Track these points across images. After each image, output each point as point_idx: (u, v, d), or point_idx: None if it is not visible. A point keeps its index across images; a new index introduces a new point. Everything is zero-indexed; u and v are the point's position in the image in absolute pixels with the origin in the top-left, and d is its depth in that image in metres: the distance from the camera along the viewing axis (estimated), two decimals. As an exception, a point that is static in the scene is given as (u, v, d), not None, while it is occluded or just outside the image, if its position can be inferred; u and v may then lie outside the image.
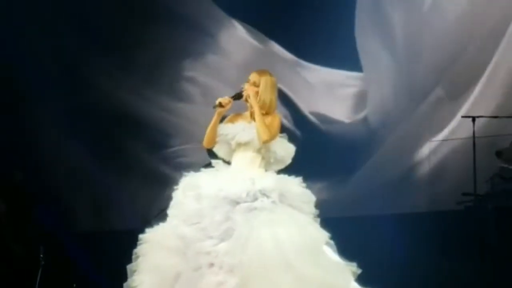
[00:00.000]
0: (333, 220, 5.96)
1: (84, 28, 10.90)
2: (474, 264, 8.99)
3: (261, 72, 6.10)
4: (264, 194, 5.73)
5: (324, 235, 5.71)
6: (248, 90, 5.98)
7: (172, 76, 11.23)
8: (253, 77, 6.04)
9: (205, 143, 6.05)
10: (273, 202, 5.72)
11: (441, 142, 10.53)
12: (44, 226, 9.83)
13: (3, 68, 10.29)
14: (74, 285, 9.49)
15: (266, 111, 6.01)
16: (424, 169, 10.56)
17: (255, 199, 5.72)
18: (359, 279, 5.72)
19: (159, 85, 11.20)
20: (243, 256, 5.51)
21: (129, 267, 5.77)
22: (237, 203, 5.71)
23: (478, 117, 9.82)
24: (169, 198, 5.94)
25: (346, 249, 5.78)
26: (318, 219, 5.84)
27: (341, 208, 10.16)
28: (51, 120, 10.64)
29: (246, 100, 6.04)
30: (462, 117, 9.94)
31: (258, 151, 5.95)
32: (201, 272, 5.59)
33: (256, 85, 6.01)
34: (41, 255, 9.08)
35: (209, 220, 5.67)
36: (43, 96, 10.65)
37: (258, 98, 5.97)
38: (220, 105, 5.94)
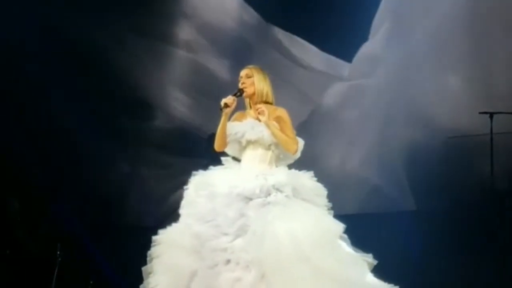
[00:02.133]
0: (349, 217, 5.94)
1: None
2: (491, 262, 8.94)
3: (252, 66, 6.20)
4: (277, 189, 5.76)
5: (339, 226, 5.71)
6: (259, 112, 5.98)
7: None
8: (244, 71, 6.15)
9: (217, 147, 6.08)
10: (287, 196, 5.74)
11: (458, 138, 10.46)
12: (61, 224, 9.83)
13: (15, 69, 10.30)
14: (91, 282, 9.50)
15: (265, 100, 6.07)
16: (442, 165, 10.49)
17: (268, 194, 5.74)
18: (376, 274, 5.70)
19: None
20: (260, 251, 5.50)
21: (144, 269, 5.77)
22: (250, 199, 5.72)
23: (496, 113, 9.72)
24: (181, 197, 5.93)
25: (362, 246, 5.76)
26: (332, 212, 5.85)
27: (357, 205, 10.13)
28: (65, 115, 10.59)
29: (247, 97, 6.10)
30: (480, 113, 9.80)
31: (268, 147, 5.99)
32: (218, 269, 5.58)
33: (248, 76, 6.10)
34: (58, 252, 9.11)
35: (223, 218, 5.67)
36: (49, 89, 10.61)
37: (254, 87, 6.04)
38: (226, 105, 5.97)
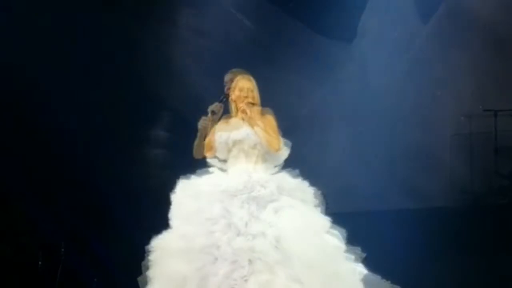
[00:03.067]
0: (345, 215, 5.96)
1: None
2: (486, 261, 8.91)
3: (247, 76, 6.23)
4: (261, 185, 5.81)
5: (326, 220, 5.75)
6: (245, 107, 6.04)
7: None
8: (247, 84, 6.14)
9: (196, 154, 6.19)
10: (271, 192, 5.79)
11: (461, 135, 10.44)
12: (64, 222, 9.85)
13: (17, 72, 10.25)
14: (95, 279, 9.53)
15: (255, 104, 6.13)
16: (443, 164, 10.48)
17: (252, 190, 5.78)
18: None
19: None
20: (248, 244, 5.56)
21: (139, 279, 5.81)
22: (235, 196, 5.77)
23: (500, 110, 9.71)
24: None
25: (357, 244, 5.79)
26: (319, 208, 5.87)
27: (353, 203, 10.10)
28: (50, 115, 10.54)
29: (232, 100, 6.14)
30: (484, 110, 9.79)
31: (254, 147, 6.02)
32: (205, 270, 5.60)
33: (251, 90, 6.14)
34: (62, 249, 9.15)
35: (208, 215, 5.72)
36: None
37: (253, 96, 6.10)
38: (213, 113, 6.10)
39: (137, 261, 6.09)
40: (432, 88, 10.61)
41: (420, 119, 10.60)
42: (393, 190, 10.35)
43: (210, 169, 6.09)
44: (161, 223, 6.01)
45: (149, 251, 5.80)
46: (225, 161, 6.10)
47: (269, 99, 6.33)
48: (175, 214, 5.89)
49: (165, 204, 9.87)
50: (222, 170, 6.07)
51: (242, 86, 6.14)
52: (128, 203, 10.49)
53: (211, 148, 6.13)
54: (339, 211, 6.06)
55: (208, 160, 6.12)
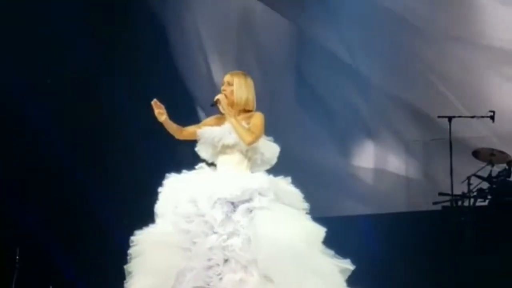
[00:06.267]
0: (328, 219, 6.03)
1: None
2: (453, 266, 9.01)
3: (234, 72, 6.22)
4: (260, 193, 5.79)
5: (322, 230, 5.81)
6: (218, 96, 6.06)
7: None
8: (227, 78, 6.15)
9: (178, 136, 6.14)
10: (270, 200, 5.78)
11: (419, 142, 10.56)
12: (21, 227, 9.72)
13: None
14: (50, 286, 9.44)
15: (244, 108, 6.09)
16: (401, 169, 10.58)
17: (252, 198, 5.77)
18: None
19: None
20: (257, 254, 5.59)
21: (126, 267, 5.78)
22: (234, 203, 5.77)
23: (454, 117, 9.86)
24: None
25: (338, 249, 5.85)
26: (309, 215, 5.91)
27: (318, 208, 10.12)
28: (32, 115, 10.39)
29: (217, 104, 6.09)
30: (439, 117, 9.96)
31: (245, 153, 6.01)
32: (182, 265, 5.65)
33: (230, 84, 6.10)
34: (17, 257, 9.05)
35: (184, 212, 5.76)
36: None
37: (233, 96, 6.05)
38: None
39: (95, 267, 6.05)
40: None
41: (400, 123, 10.66)
42: (372, 194, 10.42)
43: (198, 166, 6.06)
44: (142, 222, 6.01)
45: (137, 242, 5.77)
46: (211, 164, 6.07)
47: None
48: (159, 209, 5.89)
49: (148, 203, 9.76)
50: (211, 165, 6.07)
51: (223, 81, 6.15)
52: (89, 209, 10.35)
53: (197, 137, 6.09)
54: (321, 215, 6.09)
55: (197, 167, 6.07)
